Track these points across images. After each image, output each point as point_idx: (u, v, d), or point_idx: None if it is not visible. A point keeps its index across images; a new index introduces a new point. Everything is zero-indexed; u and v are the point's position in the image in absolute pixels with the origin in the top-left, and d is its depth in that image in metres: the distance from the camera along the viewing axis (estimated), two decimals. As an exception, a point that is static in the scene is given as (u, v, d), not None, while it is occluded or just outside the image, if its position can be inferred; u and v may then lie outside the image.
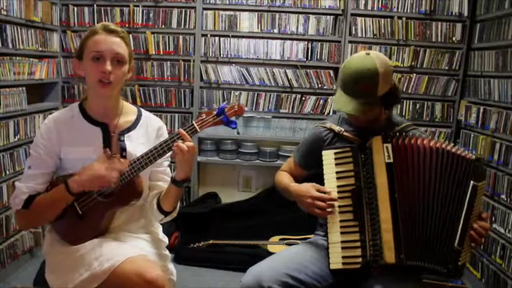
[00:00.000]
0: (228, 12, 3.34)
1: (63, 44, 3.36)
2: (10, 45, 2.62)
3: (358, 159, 1.47)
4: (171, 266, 1.59)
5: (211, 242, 3.01)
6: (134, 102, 3.32)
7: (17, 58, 2.69)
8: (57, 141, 1.43)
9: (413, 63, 3.30)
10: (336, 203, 1.47)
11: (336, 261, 1.45)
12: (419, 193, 1.41)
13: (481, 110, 2.90)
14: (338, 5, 3.28)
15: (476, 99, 3.03)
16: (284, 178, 1.70)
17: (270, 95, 3.41)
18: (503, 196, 2.54)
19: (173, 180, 1.43)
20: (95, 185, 1.34)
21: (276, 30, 3.34)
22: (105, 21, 3.29)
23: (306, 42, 3.34)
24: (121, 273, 1.28)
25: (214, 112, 1.39)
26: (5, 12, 2.54)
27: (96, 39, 1.39)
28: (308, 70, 3.37)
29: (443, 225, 1.38)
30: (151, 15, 3.34)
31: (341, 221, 1.46)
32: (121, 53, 1.40)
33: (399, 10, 3.26)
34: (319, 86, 3.38)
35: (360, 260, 1.42)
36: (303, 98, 3.39)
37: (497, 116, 2.67)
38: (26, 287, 2.38)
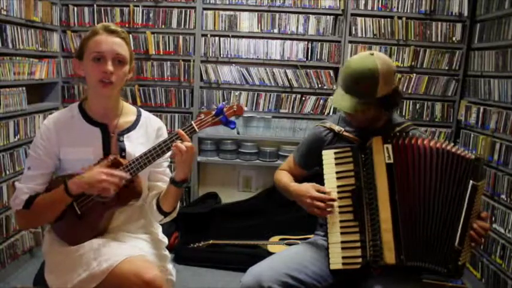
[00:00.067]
0: (228, 12, 3.34)
1: (63, 44, 3.36)
2: (10, 45, 2.62)
3: (358, 159, 1.47)
4: (171, 267, 1.59)
5: (211, 242, 3.01)
6: (134, 102, 3.33)
7: (17, 58, 2.69)
8: (56, 141, 1.43)
9: (413, 63, 3.30)
10: (336, 203, 1.47)
11: (336, 262, 1.45)
12: (419, 194, 1.40)
13: (481, 110, 2.90)
14: (338, 5, 3.28)
15: (476, 99, 3.03)
16: (284, 177, 1.70)
17: (270, 95, 3.41)
18: (503, 196, 2.54)
19: (172, 181, 1.43)
20: (93, 189, 1.33)
21: (276, 30, 3.34)
22: (105, 21, 3.29)
23: (306, 42, 3.34)
24: (119, 273, 1.28)
25: (213, 112, 1.39)
26: (5, 12, 2.54)
27: (97, 39, 1.39)
28: (308, 70, 3.37)
29: (444, 225, 1.38)
30: (151, 15, 3.34)
31: (341, 221, 1.46)
32: (122, 53, 1.40)
33: (399, 10, 3.26)
34: (319, 86, 3.38)
35: (360, 260, 1.42)
36: (303, 98, 3.39)
37: (497, 116, 2.67)
38: (26, 287, 2.37)
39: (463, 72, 3.27)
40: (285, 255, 1.58)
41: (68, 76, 3.39)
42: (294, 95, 3.39)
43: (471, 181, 1.36)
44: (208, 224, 3.18)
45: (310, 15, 3.32)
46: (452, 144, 1.45)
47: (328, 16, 3.31)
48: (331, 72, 3.37)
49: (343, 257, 1.44)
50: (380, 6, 3.25)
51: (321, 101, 3.38)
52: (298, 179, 1.70)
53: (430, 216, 1.39)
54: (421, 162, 1.41)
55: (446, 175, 1.39)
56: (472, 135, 3.01)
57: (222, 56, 3.39)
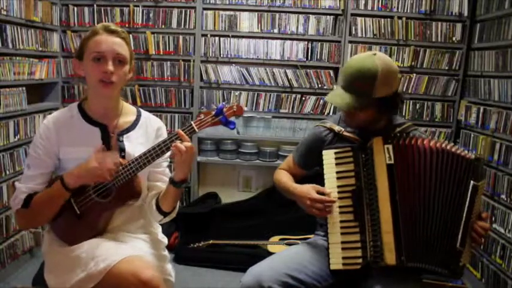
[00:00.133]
0: (228, 12, 3.34)
1: (63, 44, 3.36)
2: (10, 45, 2.62)
3: (359, 159, 1.46)
4: (170, 267, 1.58)
5: (211, 242, 3.01)
6: (134, 102, 3.33)
7: (17, 58, 2.69)
8: (56, 141, 1.43)
9: (413, 63, 3.30)
10: (336, 203, 1.47)
11: (337, 262, 1.44)
12: (420, 194, 1.40)
13: (481, 110, 2.90)
14: (338, 5, 3.28)
15: (476, 99, 3.03)
16: (284, 177, 1.70)
17: (270, 95, 3.41)
18: (503, 196, 2.54)
19: (172, 181, 1.42)
20: (88, 178, 1.34)
21: (276, 30, 3.34)
22: (105, 21, 3.29)
23: (306, 42, 3.34)
24: (117, 273, 1.27)
25: (213, 112, 1.38)
26: (5, 12, 2.54)
27: (97, 39, 1.39)
28: (308, 70, 3.37)
29: (444, 226, 1.38)
30: (151, 15, 3.34)
31: (341, 221, 1.46)
32: (122, 53, 1.40)
33: (399, 10, 3.26)
34: (319, 86, 3.38)
35: (360, 260, 1.42)
36: (303, 98, 3.39)
37: (497, 116, 2.67)
38: (26, 287, 2.37)
39: (463, 72, 3.27)
40: (285, 255, 1.58)
41: (68, 76, 3.39)
42: (294, 95, 3.39)
43: (472, 181, 1.36)
44: (208, 224, 3.18)
45: (310, 15, 3.32)
46: (452, 144, 1.45)
47: (328, 16, 3.31)
48: (331, 72, 3.37)
49: (344, 257, 1.44)
50: (380, 6, 3.25)
51: (321, 101, 3.38)
52: (298, 179, 1.70)
53: (430, 217, 1.39)
54: (421, 163, 1.41)
55: (447, 175, 1.39)
56: (472, 135, 3.01)
57: (222, 56, 3.39)
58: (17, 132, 2.68)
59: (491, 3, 2.92)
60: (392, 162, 1.41)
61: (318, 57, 3.36)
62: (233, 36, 3.36)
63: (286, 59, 3.37)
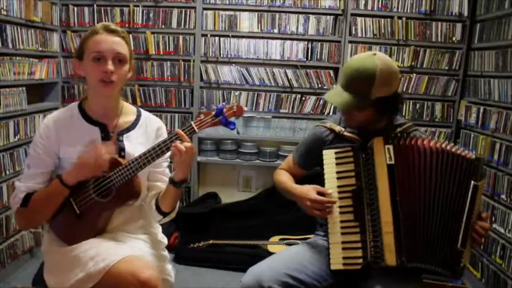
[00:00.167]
0: (228, 12, 3.34)
1: (63, 44, 3.36)
2: (10, 45, 2.62)
3: (359, 159, 1.46)
4: (170, 267, 1.58)
5: (211, 242, 3.01)
6: (134, 102, 3.33)
7: (17, 58, 2.69)
8: (56, 140, 1.43)
9: (413, 63, 3.30)
10: (337, 204, 1.46)
11: (337, 262, 1.45)
12: (420, 195, 1.40)
13: (481, 110, 2.89)
14: (338, 5, 3.28)
15: (476, 99, 3.03)
16: (284, 177, 1.70)
17: (270, 95, 3.41)
18: (503, 196, 2.54)
19: (171, 181, 1.42)
20: (85, 171, 1.35)
21: (276, 30, 3.34)
22: (105, 21, 3.29)
23: (306, 42, 3.34)
24: (116, 273, 1.27)
25: (213, 113, 1.38)
26: (5, 12, 2.54)
27: (97, 39, 1.39)
28: (308, 70, 3.37)
29: (445, 226, 1.38)
30: (151, 15, 3.34)
31: (342, 221, 1.46)
32: (122, 52, 1.40)
33: (399, 10, 3.26)
34: (319, 86, 3.38)
35: (360, 261, 1.42)
36: (303, 98, 3.39)
37: (497, 116, 2.67)
38: (26, 287, 2.37)
39: (463, 72, 3.27)
40: (285, 255, 1.58)
41: (68, 76, 3.39)
42: (294, 95, 3.39)
43: (472, 181, 1.35)
44: (208, 224, 3.18)
45: (310, 15, 3.32)
46: (452, 144, 1.45)
47: (328, 16, 3.31)
48: (331, 72, 3.37)
49: (344, 257, 1.44)
50: (380, 6, 3.25)
51: (321, 101, 3.38)
52: (298, 179, 1.70)
53: (431, 217, 1.39)
54: (422, 163, 1.40)
55: (448, 176, 1.39)
56: (472, 135, 3.01)
57: (222, 56, 3.39)
58: (17, 132, 2.68)
59: (491, 3, 2.92)
60: (392, 162, 1.41)
61: (318, 57, 3.36)
62: (233, 36, 3.36)
63: (286, 59, 3.37)
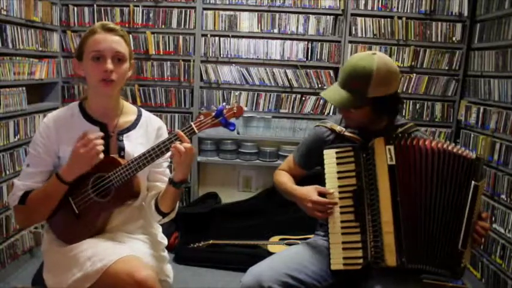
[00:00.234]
0: (228, 12, 3.34)
1: (63, 44, 3.36)
2: (10, 45, 2.62)
3: (360, 159, 1.46)
4: (169, 268, 1.58)
5: (211, 242, 3.01)
6: (134, 102, 3.32)
7: (17, 58, 2.69)
8: (56, 139, 1.43)
9: (413, 63, 3.30)
10: (337, 204, 1.46)
11: (337, 262, 1.44)
12: (421, 195, 1.40)
13: (481, 110, 2.90)
14: (338, 5, 3.28)
15: (476, 99, 3.03)
16: (284, 178, 1.69)
17: (270, 95, 3.41)
18: (503, 196, 2.54)
19: (171, 181, 1.42)
20: (80, 163, 1.33)
21: (276, 30, 3.34)
22: (105, 21, 3.29)
23: (306, 42, 3.34)
24: (113, 273, 1.27)
25: (213, 114, 1.37)
26: (5, 12, 2.54)
27: (96, 38, 1.38)
28: (308, 70, 3.37)
29: (446, 227, 1.37)
30: (151, 15, 3.34)
31: (342, 221, 1.46)
32: (121, 51, 1.40)
33: (399, 10, 3.26)
34: (319, 86, 3.38)
35: (361, 261, 1.41)
36: (303, 98, 3.39)
37: (497, 116, 2.67)
38: (26, 287, 2.37)
39: (463, 72, 3.27)
40: (285, 255, 1.58)
41: (68, 76, 3.39)
42: (294, 95, 3.39)
43: (473, 181, 1.35)
44: (208, 224, 3.18)
45: (310, 15, 3.32)
46: (453, 144, 1.44)
47: (328, 16, 3.31)
48: (331, 72, 3.37)
49: (344, 258, 1.44)
50: (380, 6, 3.26)
51: (321, 101, 3.38)
52: (298, 179, 1.70)
53: (432, 218, 1.39)
54: (423, 164, 1.40)
55: (448, 176, 1.38)
56: (472, 135, 3.01)
57: (222, 56, 3.39)
58: (17, 132, 2.68)
59: (491, 3, 2.92)
60: (393, 163, 1.40)
61: (318, 57, 3.36)
62: (233, 36, 3.36)
63: (286, 59, 3.37)
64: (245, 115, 3.34)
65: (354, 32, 3.30)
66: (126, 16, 3.33)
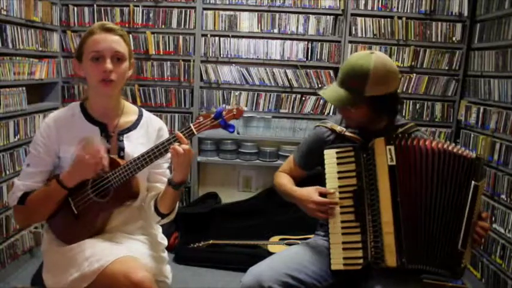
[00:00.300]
0: (228, 12, 3.34)
1: (63, 44, 3.36)
2: (10, 45, 2.62)
3: (360, 159, 1.46)
4: (168, 269, 1.58)
5: (211, 242, 3.01)
6: (134, 102, 3.30)
7: (17, 58, 2.69)
8: (56, 139, 1.43)
9: (413, 63, 3.30)
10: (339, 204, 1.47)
11: (338, 262, 1.44)
12: (421, 196, 1.39)
13: (481, 110, 2.90)
14: (338, 5, 3.28)
15: (476, 99, 3.03)
16: (284, 180, 1.69)
17: (270, 95, 3.41)
18: (503, 196, 2.54)
19: (170, 183, 1.42)
20: (82, 171, 1.33)
21: (276, 30, 3.34)
22: (105, 21, 3.29)
23: (306, 42, 3.34)
24: (110, 273, 1.27)
25: (212, 115, 1.37)
26: (5, 12, 2.54)
27: (94, 39, 1.38)
28: (308, 70, 3.37)
29: (446, 227, 1.37)
30: (151, 15, 3.34)
31: (342, 221, 1.46)
32: (120, 50, 1.40)
33: (399, 10, 3.26)
34: (319, 86, 3.37)
35: (361, 261, 1.41)
36: (303, 98, 3.39)
37: (497, 116, 2.67)
38: (26, 287, 2.37)
39: (463, 72, 3.27)
40: (285, 255, 1.58)
41: (68, 76, 3.39)
42: (294, 95, 3.39)
43: (473, 181, 1.35)
44: (208, 224, 3.18)
45: (310, 15, 3.32)
46: (453, 144, 1.44)
47: (328, 16, 3.31)
48: (331, 72, 3.37)
49: (345, 258, 1.43)
50: (380, 6, 3.26)
51: (321, 101, 3.38)
52: (298, 181, 1.70)
53: (432, 218, 1.38)
54: (423, 164, 1.40)
55: (449, 176, 1.38)
56: (472, 135, 3.02)
57: (222, 56, 3.39)
58: (17, 132, 2.68)
59: (491, 3, 2.92)
60: (394, 163, 1.40)
61: (318, 57, 3.36)
62: (233, 36, 3.36)
63: (286, 59, 3.37)
64: (245, 115, 3.34)
65: (354, 32, 3.30)
66: (126, 16, 3.33)
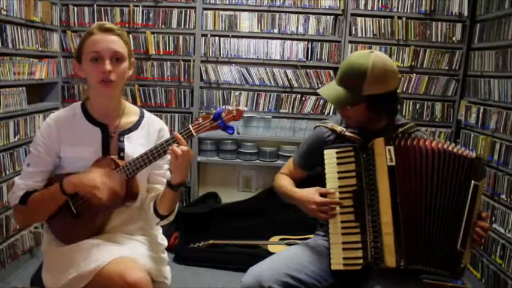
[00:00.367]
0: (228, 12, 3.34)
1: (63, 44, 3.36)
2: (10, 45, 2.62)
3: (360, 159, 1.46)
4: (167, 269, 1.57)
5: (211, 242, 3.01)
6: (134, 102, 3.31)
7: (17, 58, 2.69)
8: (57, 139, 1.43)
9: (413, 63, 3.30)
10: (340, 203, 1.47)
11: (337, 262, 1.44)
12: (421, 196, 1.39)
13: (481, 110, 2.90)
14: (338, 5, 3.28)
15: (476, 99, 3.03)
16: (284, 182, 1.69)
17: (270, 95, 3.41)
18: (503, 196, 2.54)
19: (169, 184, 1.41)
20: (86, 192, 1.33)
21: (276, 30, 3.34)
22: (105, 21, 3.29)
23: (306, 42, 3.34)
24: (106, 274, 1.27)
25: (211, 116, 1.36)
26: (5, 12, 2.54)
27: (93, 39, 1.38)
28: (308, 70, 3.37)
29: (446, 227, 1.37)
30: (151, 15, 3.34)
31: (342, 221, 1.45)
32: (119, 50, 1.39)
33: (399, 10, 3.26)
34: (319, 86, 3.37)
35: (361, 261, 1.41)
36: (303, 98, 3.39)
37: (497, 116, 2.67)
38: (26, 287, 2.37)
39: (463, 72, 3.27)
40: (285, 255, 1.58)
41: (68, 76, 3.39)
42: (294, 95, 3.39)
43: (473, 181, 1.35)
44: (208, 224, 3.18)
45: (310, 15, 3.32)
46: (453, 144, 1.44)
47: (328, 16, 3.31)
48: (331, 72, 3.36)
49: (344, 258, 1.43)
50: (380, 6, 3.26)
51: (321, 101, 3.38)
52: (298, 182, 1.70)
53: (432, 218, 1.38)
54: (423, 164, 1.40)
55: (449, 176, 1.38)
56: (472, 135, 3.02)
57: (222, 56, 3.39)
58: (17, 132, 2.68)
59: (491, 3, 2.92)
60: (393, 163, 1.40)
61: (318, 57, 3.36)
62: (233, 36, 3.36)
63: (286, 59, 3.37)
64: (245, 115, 3.34)
65: (354, 32, 3.30)
66: (126, 16, 3.33)
